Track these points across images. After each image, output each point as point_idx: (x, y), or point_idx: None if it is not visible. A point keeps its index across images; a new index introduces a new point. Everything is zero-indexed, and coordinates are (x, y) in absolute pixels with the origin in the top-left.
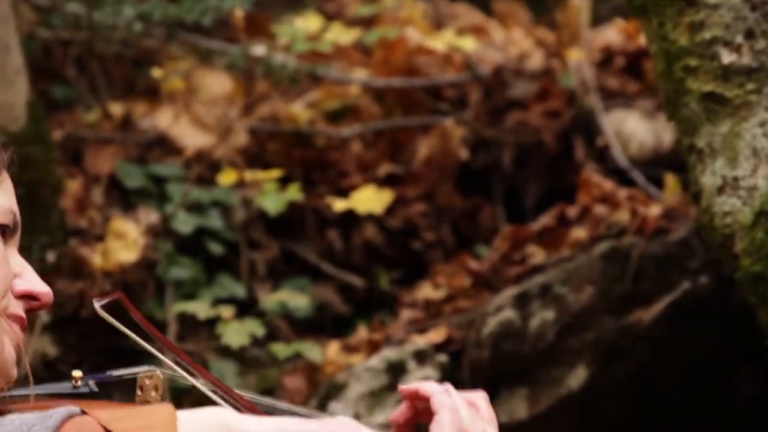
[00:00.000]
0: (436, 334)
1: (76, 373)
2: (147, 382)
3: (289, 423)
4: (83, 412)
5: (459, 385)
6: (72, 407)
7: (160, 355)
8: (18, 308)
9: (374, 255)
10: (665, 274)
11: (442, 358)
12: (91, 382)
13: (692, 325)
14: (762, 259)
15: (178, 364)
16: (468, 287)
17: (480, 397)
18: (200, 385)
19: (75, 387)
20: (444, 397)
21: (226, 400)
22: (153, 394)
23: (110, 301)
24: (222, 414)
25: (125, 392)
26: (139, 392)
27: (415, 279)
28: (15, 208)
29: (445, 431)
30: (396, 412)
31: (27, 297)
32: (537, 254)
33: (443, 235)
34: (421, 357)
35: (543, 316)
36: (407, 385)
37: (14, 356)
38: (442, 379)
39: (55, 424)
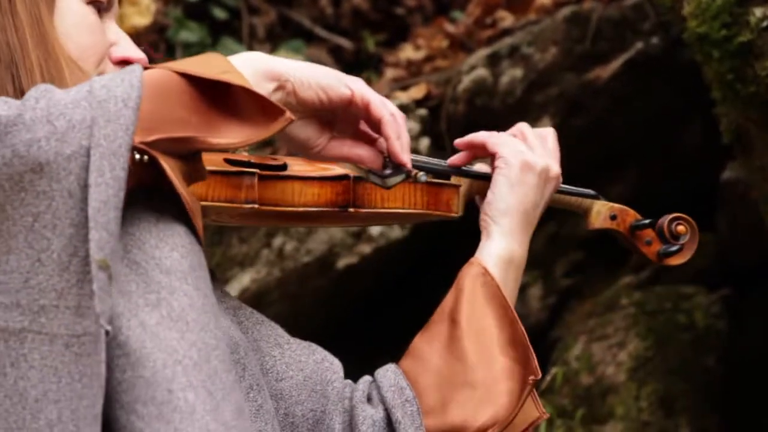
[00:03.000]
0: (417, 91)
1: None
2: None
3: (314, 65)
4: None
5: (438, 136)
6: (139, 64)
7: None
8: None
9: (361, 19)
10: (621, 35)
11: (423, 111)
12: None
13: (645, 81)
14: (707, 21)
15: None
16: (445, 48)
17: (549, 132)
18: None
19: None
20: (496, 138)
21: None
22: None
23: None
24: (258, 56)
25: None
26: None
27: (397, 41)
28: None
29: (509, 161)
30: (454, 157)
31: (124, 63)
32: (506, 18)
33: (423, 1)
34: (403, 111)
35: (512, 73)
36: (461, 139)
37: None
38: (422, 132)
39: (139, 76)
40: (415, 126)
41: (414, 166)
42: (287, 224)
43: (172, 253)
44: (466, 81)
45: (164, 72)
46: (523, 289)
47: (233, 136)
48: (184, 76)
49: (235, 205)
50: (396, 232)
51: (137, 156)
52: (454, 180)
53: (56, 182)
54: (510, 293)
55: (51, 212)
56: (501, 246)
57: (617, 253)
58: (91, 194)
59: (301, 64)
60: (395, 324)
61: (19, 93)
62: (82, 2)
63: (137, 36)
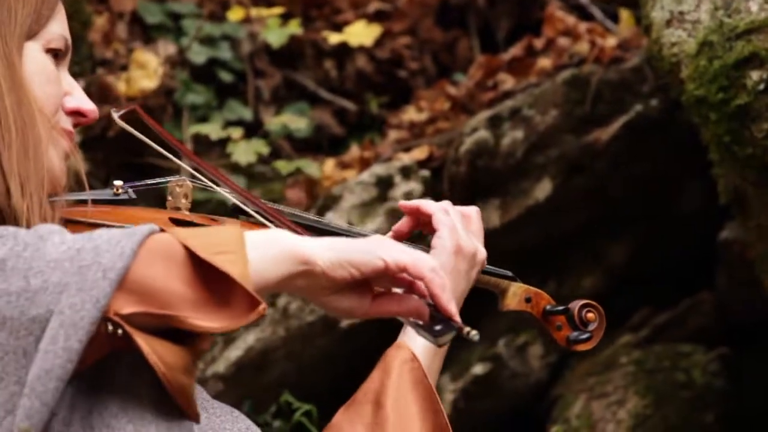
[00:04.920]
0: (420, 152)
1: (117, 183)
2: (177, 189)
3: (340, 241)
4: (161, 230)
5: (440, 197)
6: (153, 225)
7: (178, 161)
8: (67, 123)
9: (365, 82)
10: (620, 97)
11: (425, 173)
12: (130, 190)
13: (644, 142)
14: (704, 84)
15: (197, 170)
16: (447, 110)
17: (473, 211)
18: (225, 192)
19: (116, 194)
20: (444, 216)
21: (247, 205)
22: (183, 201)
23: (127, 112)
24: (282, 236)
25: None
26: (169, 198)
27: (401, 103)
28: (67, 34)
29: (446, 245)
30: (399, 224)
31: (76, 113)
32: (508, 81)
33: (425, 64)
34: (406, 172)
35: (513, 135)
36: (408, 202)
37: (64, 166)
38: (425, 192)
39: (138, 241)
40: (418, 187)
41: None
42: None
43: (127, 425)
44: (468, 142)
45: (171, 241)
46: (523, 348)
47: (213, 320)
48: (187, 248)
49: None
50: None
51: (110, 327)
52: None
53: (15, 339)
54: (434, 378)
55: (1, 365)
56: None
57: (616, 313)
58: (36, 361)
59: (329, 243)
60: None
61: None
62: (41, 51)
63: (144, 99)
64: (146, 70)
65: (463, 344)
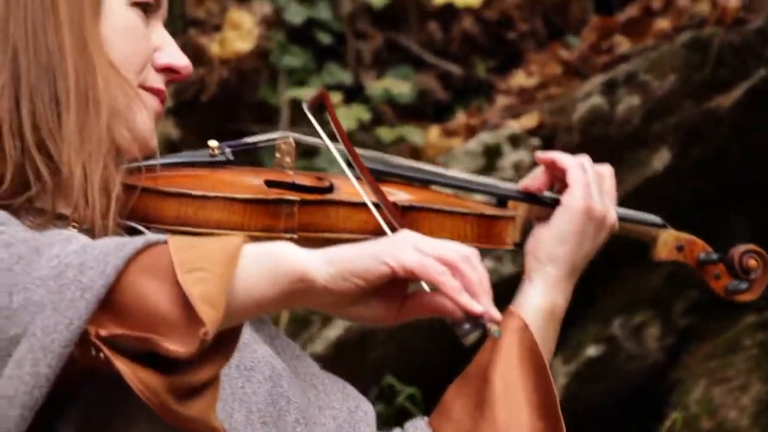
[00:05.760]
0: (529, 119)
1: (212, 143)
2: (282, 146)
3: (343, 250)
4: (166, 242)
5: None
6: (150, 236)
7: (338, 158)
8: (158, 82)
9: (471, 45)
10: (743, 61)
11: (535, 141)
12: (227, 150)
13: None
14: None
15: (348, 164)
16: (559, 75)
17: (608, 170)
18: (359, 188)
19: (212, 155)
20: (580, 172)
21: (379, 207)
22: (287, 159)
23: (315, 98)
24: (279, 250)
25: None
26: (277, 155)
27: (509, 67)
28: None
29: (577, 204)
30: (530, 179)
31: (167, 70)
32: (623, 44)
33: (536, 25)
34: (515, 141)
35: (629, 101)
36: (544, 154)
37: (152, 127)
38: (534, 162)
39: (126, 257)
40: (527, 156)
41: (478, 190)
42: None
43: None
44: (581, 109)
45: (163, 255)
46: (640, 329)
47: (182, 342)
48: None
49: (272, 234)
50: None
51: (93, 350)
52: (511, 205)
53: None
54: (548, 349)
55: None
56: (544, 297)
57: None
58: (0, 386)
59: (330, 255)
60: None
61: (54, 99)
62: (126, 5)
63: (239, 62)
64: (240, 31)
65: (576, 324)
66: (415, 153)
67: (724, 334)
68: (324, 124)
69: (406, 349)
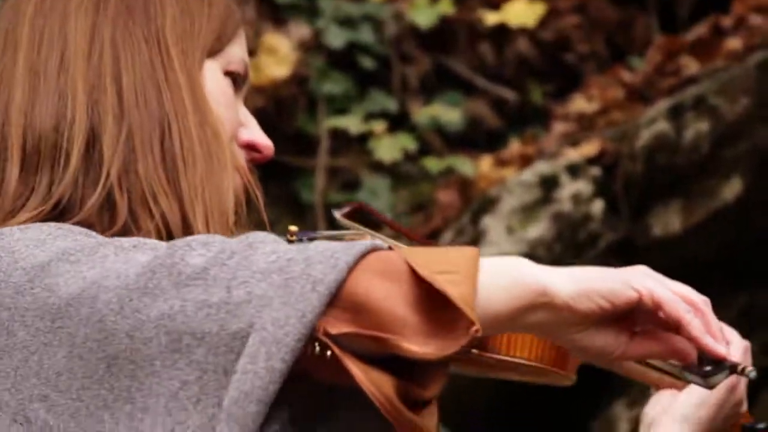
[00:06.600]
0: (589, 147)
1: (293, 228)
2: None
3: (585, 270)
4: (389, 248)
5: (613, 199)
6: (376, 241)
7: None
8: (240, 158)
9: (527, 68)
10: None
11: (596, 171)
12: (305, 238)
13: None
14: None
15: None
16: (621, 99)
17: (736, 336)
18: None
19: (289, 241)
20: (739, 343)
21: None
22: None
23: (351, 210)
24: (520, 263)
25: None
26: None
27: (567, 92)
28: (247, 59)
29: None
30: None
31: (250, 148)
32: (691, 65)
33: (597, 46)
34: (574, 170)
35: (697, 127)
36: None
37: (232, 200)
38: (595, 194)
39: (356, 254)
40: (587, 187)
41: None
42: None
43: None
44: (645, 136)
45: (395, 257)
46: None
47: (428, 344)
48: (411, 266)
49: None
50: None
51: (317, 349)
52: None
53: (213, 356)
54: None
55: (199, 385)
56: None
57: None
58: (234, 381)
59: (572, 272)
60: None
61: (165, 159)
62: (221, 72)
63: (275, 89)
64: (277, 56)
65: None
66: (465, 185)
67: None
68: (377, 227)
69: (456, 393)
